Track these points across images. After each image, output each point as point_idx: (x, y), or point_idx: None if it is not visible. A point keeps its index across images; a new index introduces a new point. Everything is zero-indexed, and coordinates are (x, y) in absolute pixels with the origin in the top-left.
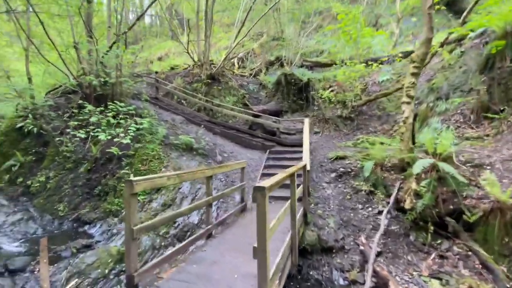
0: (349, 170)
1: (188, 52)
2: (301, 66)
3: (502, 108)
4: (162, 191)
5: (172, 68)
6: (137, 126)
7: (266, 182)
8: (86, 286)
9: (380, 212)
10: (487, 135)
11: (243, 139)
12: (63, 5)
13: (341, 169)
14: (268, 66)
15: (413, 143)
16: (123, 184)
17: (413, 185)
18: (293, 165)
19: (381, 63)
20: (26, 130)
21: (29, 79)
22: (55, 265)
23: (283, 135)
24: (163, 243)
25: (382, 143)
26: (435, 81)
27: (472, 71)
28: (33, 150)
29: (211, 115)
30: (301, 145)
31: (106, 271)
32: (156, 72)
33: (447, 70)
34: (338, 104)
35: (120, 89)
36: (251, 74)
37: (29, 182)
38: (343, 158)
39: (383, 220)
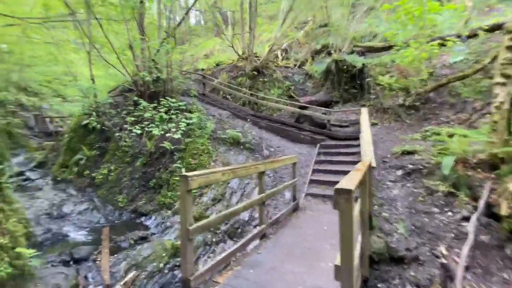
0: (420, 167)
1: (232, 46)
2: (351, 52)
3: None
4: (212, 185)
5: (217, 64)
6: (187, 121)
7: (348, 183)
8: (143, 279)
9: (464, 219)
10: None
11: (290, 132)
12: (118, 7)
13: (410, 165)
14: (314, 56)
15: (509, 133)
16: (176, 178)
17: (510, 187)
18: (349, 161)
19: (443, 44)
20: (90, 126)
21: (92, 80)
22: (115, 255)
23: (335, 127)
24: (214, 239)
25: (464, 136)
26: None
27: None
28: (97, 145)
29: (255, 109)
30: (356, 138)
31: (161, 265)
32: (202, 69)
33: None
34: (400, 91)
35: (171, 86)
36: (295, 65)
37: (93, 175)
38: (411, 153)
39: (471, 229)
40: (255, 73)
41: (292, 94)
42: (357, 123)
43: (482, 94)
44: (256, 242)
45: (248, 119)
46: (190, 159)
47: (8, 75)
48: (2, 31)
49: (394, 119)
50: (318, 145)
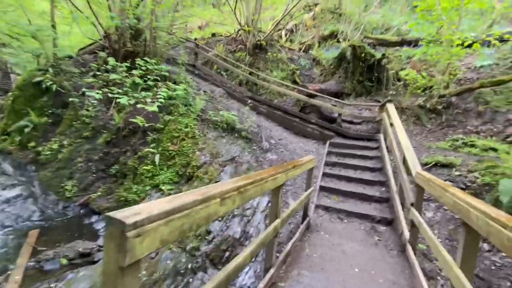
0: (462, 185)
1: (234, 12)
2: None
3: None
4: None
5: (213, 35)
6: (170, 93)
7: None
8: None
9: None
10: None
11: (294, 123)
12: None
13: (447, 182)
14: (321, 41)
15: None
16: (145, 167)
17: None
18: (367, 167)
19: (470, 45)
20: (44, 86)
21: (53, 26)
22: None
23: (345, 123)
24: (190, 265)
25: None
26: None
27: None
28: (50, 111)
29: (254, 90)
30: (370, 139)
31: None
32: (195, 39)
33: None
34: (423, 91)
35: (154, 47)
36: (300, 49)
37: (40, 148)
38: (447, 166)
39: None
40: (257, 50)
41: (297, 80)
42: (371, 121)
43: None
44: None
45: (249, 102)
46: (169, 144)
47: None
48: None
49: (413, 122)
50: (328, 142)
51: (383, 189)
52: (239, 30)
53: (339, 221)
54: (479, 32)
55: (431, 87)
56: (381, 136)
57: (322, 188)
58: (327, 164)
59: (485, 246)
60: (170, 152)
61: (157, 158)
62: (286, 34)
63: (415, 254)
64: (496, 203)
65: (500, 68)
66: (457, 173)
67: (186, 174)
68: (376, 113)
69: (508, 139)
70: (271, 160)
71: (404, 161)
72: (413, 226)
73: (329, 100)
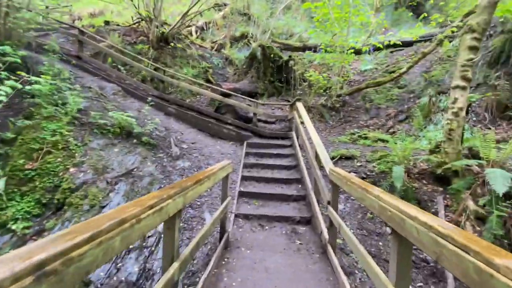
0: (363, 175)
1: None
2: None
3: None
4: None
5: (106, 23)
6: (25, 88)
7: None
8: None
9: None
10: None
11: (209, 124)
12: None
13: (352, 174)
14: (232, 42)
15: (462, 143)
16: None
17: (471, 205)
18: (284, 166)
19: (358, 52)
20: None
21: None
22: None
23: (261, 123)
24: None
25: (394, 142)
26: (434, 73)
27: (478, 65)
28: None
29: (161, 88)
30: (284, 138)
31: None
32: (83, 26)
33: (446, 62)
34: (323, 91)
35: (4, 26)
36: (212, 47)
37: None
38: (349, 158)
39: None
40: (162, 43)
41: (211, 78)
42: (284, 120)
43: (393, 101)
44: None
45: (150, 100)
46: (22, 160)
47: None
48: None
49: (318, 119)
50: (245, 143)
51: (300, 186)
52: (138, 20)
53: (261, 229)
54: (361, 42)
55: (330, 87)
56: (294, 134)
57: (242, 194)
58: (245, 166)
59: (388, 229)
60: (27, 172)
61: (1, 183)
62: (197, 32)
63: (335, 254)
64: (391, 188)
65: (379, 71)
66: (358, 164)
67: (53, 202)
68: (287, 112)
69: (390, 130)
70: (182, 168)
71: (317, 157)
72: (331, 224)
73: (244, 100)
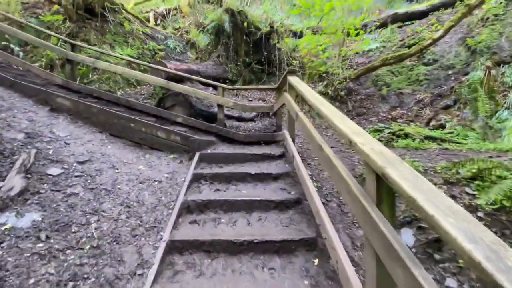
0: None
1: None
2: None
3: None
4: None
5: None
6: None
7: None
8: None
9: None
10: None
11: (132, 125)
12: None
13: None
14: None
15: None
16: None
17: None
18: (271, 201)
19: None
20: None
21: None
22: None
23: (232, 121)
24: None
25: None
26: (482, 37)
27: None
28: None
29: (71, 74)
30: (270, 142)
31: None
32: None
33: (494, 23)
34: (319, 77)
35: None
36: (175, 34)
37: None
38: None
39: None
40: (86, 14)
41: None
42: (267, 114)
43: (421, 83)
44: None
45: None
46: None
47: None
48: None
49: (316, 114)
50: (197, 155)
51: (317, 263)
52: None
53: None
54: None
55: (326, 72)
56: (286, 135)
57: None
58: (187, 208)
59: None
60: None
61: None
62: (157, 19)
63: None
64: None
65: (390, 49)
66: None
67: None
68: (273, 102)
69: (432, 123)
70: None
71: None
72: None
73: (208, 83)
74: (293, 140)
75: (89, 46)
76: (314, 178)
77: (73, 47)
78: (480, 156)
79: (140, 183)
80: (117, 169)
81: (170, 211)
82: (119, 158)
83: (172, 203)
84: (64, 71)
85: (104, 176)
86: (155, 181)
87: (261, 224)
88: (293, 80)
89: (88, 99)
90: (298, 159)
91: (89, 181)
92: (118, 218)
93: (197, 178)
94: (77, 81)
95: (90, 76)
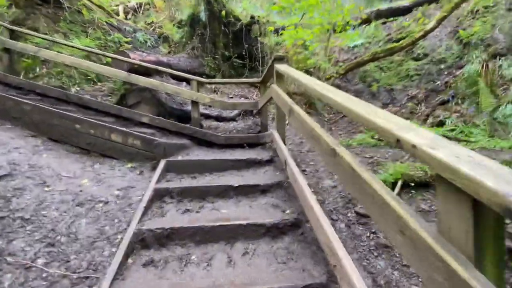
0: None
1: None
2: None
3: None
4: None
5: None
6: None
7: None
8: None
9: None
10: None
11: (78, 126)
12: None
13: None
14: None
15: None
16: None
17: None
18: (262, 225)
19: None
20: None
21: None
22: None
23: (210, 121)
24: None
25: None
26: (474, 29)
27: None
28: None
29: (7, 65)
30: (255, 145)
31: None
32: None
33: (485, 15)
34: (307, 72)
35: None
36: (147, 28)
37: None
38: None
39: None
40: (37, 0)
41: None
42: (251, 111)
43: (412, 79)
44: None
45: None
46: None
47: None
48: None
49: (306, 111)
50: (163, 164)
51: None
52: None
53: None
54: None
55: (314, 67)
56: (275, 135)
57: None
58: (142, 241)
59: None
60: None
61: None
62: (128, 13)
63: None
64: None
65: (375, 45)
66: None
67: None
68: (257, 98)
69: (430, 120)
70: None
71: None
72: None
73: (179, 84)
74: (284, 142)
75: (35, 33)
76: (312, 189)
77: (12, 34)
78: (501, 156)
79: (77, 205)
80: (48, 186)
81: (114, 248)
82: (55, 170)
83: (119, 236)
84: (2, 63)
85: (25, 198)
86: (100, 201)
87: (247, 262)
88: (282, 67)
89: (31, 96)
90: (292, 166)
91: (6, 204)
92: (31, 266)
93: (160, 195)
94: (21, 76)
95: (38, 70)
